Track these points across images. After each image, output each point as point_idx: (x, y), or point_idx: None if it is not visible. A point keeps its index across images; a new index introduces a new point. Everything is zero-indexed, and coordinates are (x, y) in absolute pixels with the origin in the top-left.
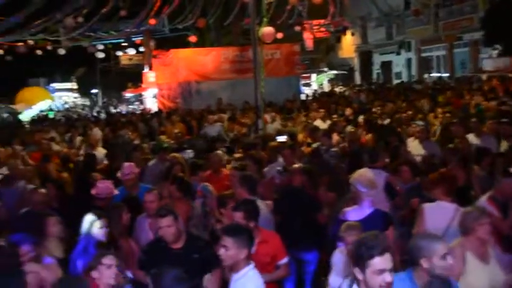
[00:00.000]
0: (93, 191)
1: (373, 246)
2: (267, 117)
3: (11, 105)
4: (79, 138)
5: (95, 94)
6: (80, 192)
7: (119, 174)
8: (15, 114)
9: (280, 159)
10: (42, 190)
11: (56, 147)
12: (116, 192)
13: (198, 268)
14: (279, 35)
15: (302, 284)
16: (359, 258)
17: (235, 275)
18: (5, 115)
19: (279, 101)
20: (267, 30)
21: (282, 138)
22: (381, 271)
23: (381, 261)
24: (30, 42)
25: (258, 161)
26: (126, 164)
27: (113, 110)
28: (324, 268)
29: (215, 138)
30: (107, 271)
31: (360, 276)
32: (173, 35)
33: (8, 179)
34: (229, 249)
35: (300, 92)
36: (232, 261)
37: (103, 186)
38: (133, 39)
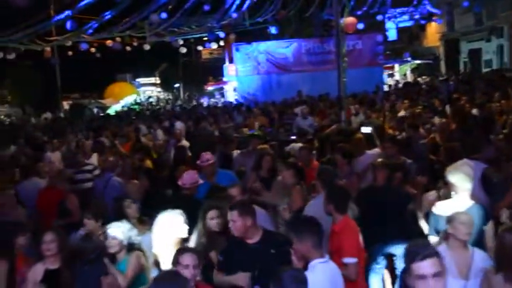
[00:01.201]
0: (179, 181)
1: (416, 251)
2: (352, 109)
3: (100, 100)
4: (162, 131)
5: (177, 88)
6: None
7: (198, 162)
8: (104, 108)
9: (370, 152)
10: (135, 181)
11: (142, 139)
12: (201, 181)
13: (275, 263)
14: (361, 25)
15: (394, 279)
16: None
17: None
18: (95, 110)
19: (361, 92)
20: (349, 20)
21: (366, 130)
22: (422, 276)
23: (421, 267)
24: (118, 39)
25: (347, 154)
26: (207, 154)
27: (194, 103)
28: None
29: (305, 131)
30: (184, 271)
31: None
32: (254, 28)
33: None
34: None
35: (383, 83)
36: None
37: (188, 177)
38: (216, 33)
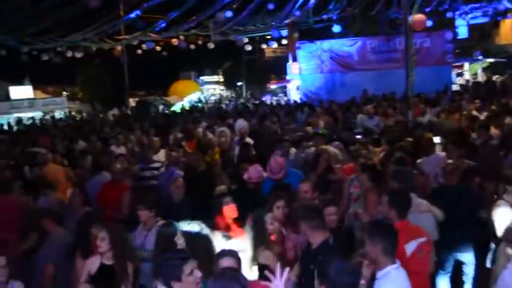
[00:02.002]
0: (245, 176)
1: None
2: (420, 108)
3: (165, 97)
4: (226, 129)
5: (240, 86)
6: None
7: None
8: (169, 105)
9: (439, 153)
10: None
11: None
12: (265, 175)
13: (319, 271)
14: (429, 23)
15: (459, 285)
16: None
17: (379, 272)
18: (160, 107)
19: (428, 92)
20: (418, 17)
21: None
22: None
23: None
24: (183, 38)
25: (411, 153)
26: (278, 151)
27: (256, 102)
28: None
29: (371, 129)
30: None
31: None
32: (318, 26)
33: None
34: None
35: (451, 82)
36: None
37: (254, 171)
38: (280, 31)
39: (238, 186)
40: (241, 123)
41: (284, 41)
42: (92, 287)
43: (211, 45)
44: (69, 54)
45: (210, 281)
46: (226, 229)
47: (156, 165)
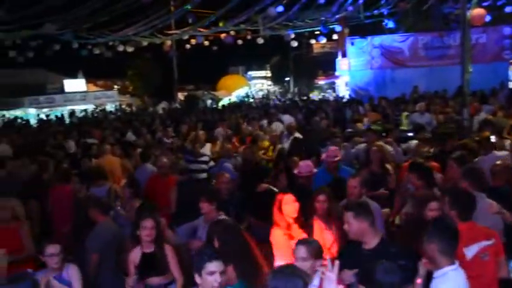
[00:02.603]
0: (296, 170)
1: None
2: (475, 106)
3: (213, 92)
4: (276, 124)
5: (287, 82)
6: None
7: (323, 156)
8: (217, 100)
9: (497, 152)
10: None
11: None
12: (315, 170)
13: None
14: (487, 17)
15: None
16: None
17: (436, 272)
18: (209, 101)
19: (483, 89)
20: (477, 12)
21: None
22: None
23: None
24: (232, 33)
25: (471, 151)
26: (332, 147)
27: (304, 97)
28: None
29: (422, 125)
30: (301, 264)
31: None
32: (369, 21)
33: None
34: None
35: (508, 80)
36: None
37: (304, 165)
38: (330, 27)
39: (288, 181)
40: (289, 119)
41: (334, 37)
42: (138, 276)
43: (260, 40)
44: (120, 48)
45: (270, 277)
46: (287, 228)
47: (204, 158)
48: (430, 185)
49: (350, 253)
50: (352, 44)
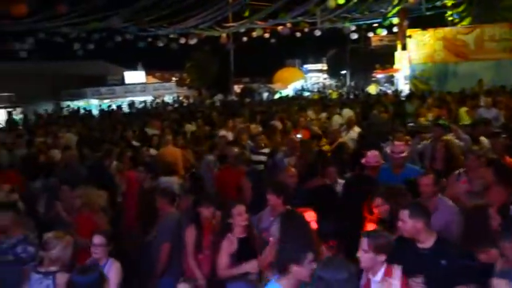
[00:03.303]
0: (363, 160)
1: None
2: None
3: (269, 85)
4: (336, 118)
5: (344, 75)
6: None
7: (388, 151)
8: (273, 93)
9: None
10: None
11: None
12: (382, 161)
13: (444, 277)
14: None
15: None
16: None
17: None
18: (265, 94)
19: None
20: None
21: None
22: None
23: None
24: (289, 25)
25: None
26: (398, 142)
27: (360, 91)
28: None
29: (488, 120)
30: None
31: None
32: (431, 13)
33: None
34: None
35: None
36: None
37: (372, 155)
38: (390, 19)
39: (354, 173)
40: (348, 112)
41: (394, 29)
42: (235, 261)
43: (317, 33)
44: (182, 41)
45: (317, 267)
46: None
47: (265, 150)
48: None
49: (403, 251)
50: (411, 36)
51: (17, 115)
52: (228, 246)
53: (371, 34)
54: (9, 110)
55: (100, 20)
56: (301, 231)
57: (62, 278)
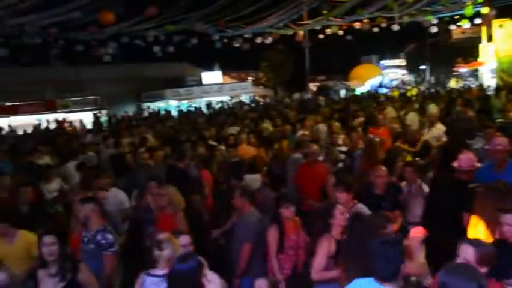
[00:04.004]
0: (455, 163)
1: None
2: None
3: (345, 82)
4: (412, 115)
5: (423, 70)
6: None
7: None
8: (350, 90)
9: None
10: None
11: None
12: (478, 165)
13: None
14: None
15: None
16: None
17: None
18: (342, 91)
19: None
20: None
21: None
22: None
23: None
24: (366, 21)
25: None
26: (499, 138)
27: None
28: None
29: None
30: None
31: None
32: None
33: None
34: None
35: None
36: None
37: (465, 159)
38: (474, 10)
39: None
40: (433, 108)
41: (477, 21)
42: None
43: (395, 28)
44: (258, 40)
45: (442, 273)
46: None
47: (342, 148)
48: None
49: (505, 255)
50: (500, 27)
51: (102, 117)
52: (326, 247)
53: (452, 27)
54: (95, 112)
55: (180, 23)
56: (363, 235)
57: None
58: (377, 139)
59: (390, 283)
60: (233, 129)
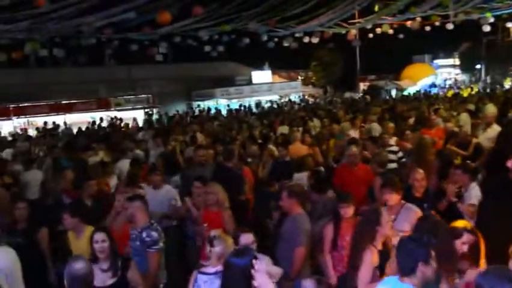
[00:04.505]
0: (509, 163)
1: None
2: None
3: (396, 82)
4: (464, 116)
5: (478, 70)
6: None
7: None
8: (401, 90)
9: None
10: None
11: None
12: None
13: None
14: None
15: None
16: None
17: None
18: (393, 91)
19: None
20: None
21: None
22: None
23: None
24: (419, 19)
25: None
26: None
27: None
28: None
29: None
30: None
31: None
32: None
33: None
34: None
35: None
36: None
37: None
38: None
39: (497, 177)
40: (490, 108)
41: None
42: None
43: (449, 26)
44: (306, 40)
45: (478, 275)
46: None
47: (393, 148)
48: None
49: None
50: None
51: (153, 115)
52: (371, 258)
53: (510, 25)
54: (147, 110)
55: (233, 22)
56: (439, 237)
57: None
58: (430, 140)
59: (408, 278)
60: (283, 129)
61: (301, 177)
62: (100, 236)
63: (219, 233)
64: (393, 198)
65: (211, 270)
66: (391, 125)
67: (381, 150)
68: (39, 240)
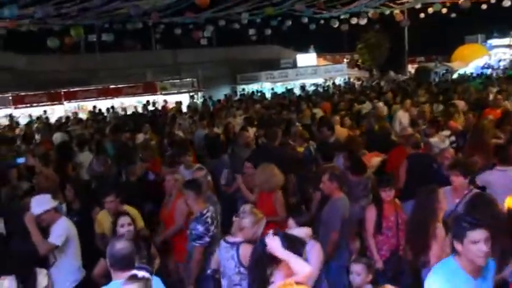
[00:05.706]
0: None
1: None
2: None
3: (447, 63)
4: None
5: None
6: None
7: None
8: (452, 72)
9: None
10: None
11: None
12: None
13: None
14: None
15: None
16: None
17: None
18: (442, 72)
19: None
20: None
21: None
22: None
23: None
24: None
25: None
26: None
27: None
28: None
29: None
30: None
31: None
32: None
33: None
34: None
35: None
36: None
37: None
38: None
39: None
40: None
41: None
42: None
43: (506, 3)
44: (353, 21)
45: None
46: None
47: (445, 133)
48: None
49: None
50: None
51: (198, 99)
52: (440, 233)
53: None
54: (192, 94)
55: (279, 5)
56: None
57: (245, 249)
58: (489, 120)
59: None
60: (319, 113)
61: (337, 160)
62: (124, 219)
63: (250, 207)
64: (459, 180)
65: (231, 240)
66: (440, 106)
67: (413, 133)
68: (92, 219)
